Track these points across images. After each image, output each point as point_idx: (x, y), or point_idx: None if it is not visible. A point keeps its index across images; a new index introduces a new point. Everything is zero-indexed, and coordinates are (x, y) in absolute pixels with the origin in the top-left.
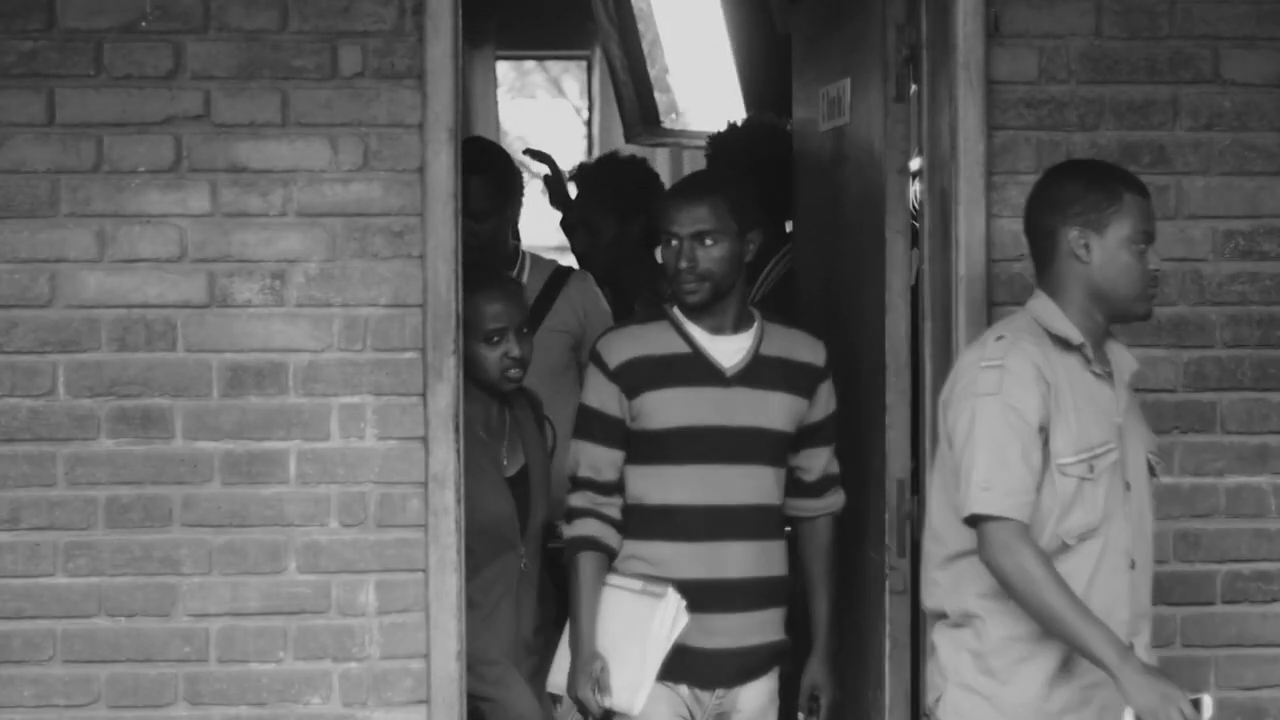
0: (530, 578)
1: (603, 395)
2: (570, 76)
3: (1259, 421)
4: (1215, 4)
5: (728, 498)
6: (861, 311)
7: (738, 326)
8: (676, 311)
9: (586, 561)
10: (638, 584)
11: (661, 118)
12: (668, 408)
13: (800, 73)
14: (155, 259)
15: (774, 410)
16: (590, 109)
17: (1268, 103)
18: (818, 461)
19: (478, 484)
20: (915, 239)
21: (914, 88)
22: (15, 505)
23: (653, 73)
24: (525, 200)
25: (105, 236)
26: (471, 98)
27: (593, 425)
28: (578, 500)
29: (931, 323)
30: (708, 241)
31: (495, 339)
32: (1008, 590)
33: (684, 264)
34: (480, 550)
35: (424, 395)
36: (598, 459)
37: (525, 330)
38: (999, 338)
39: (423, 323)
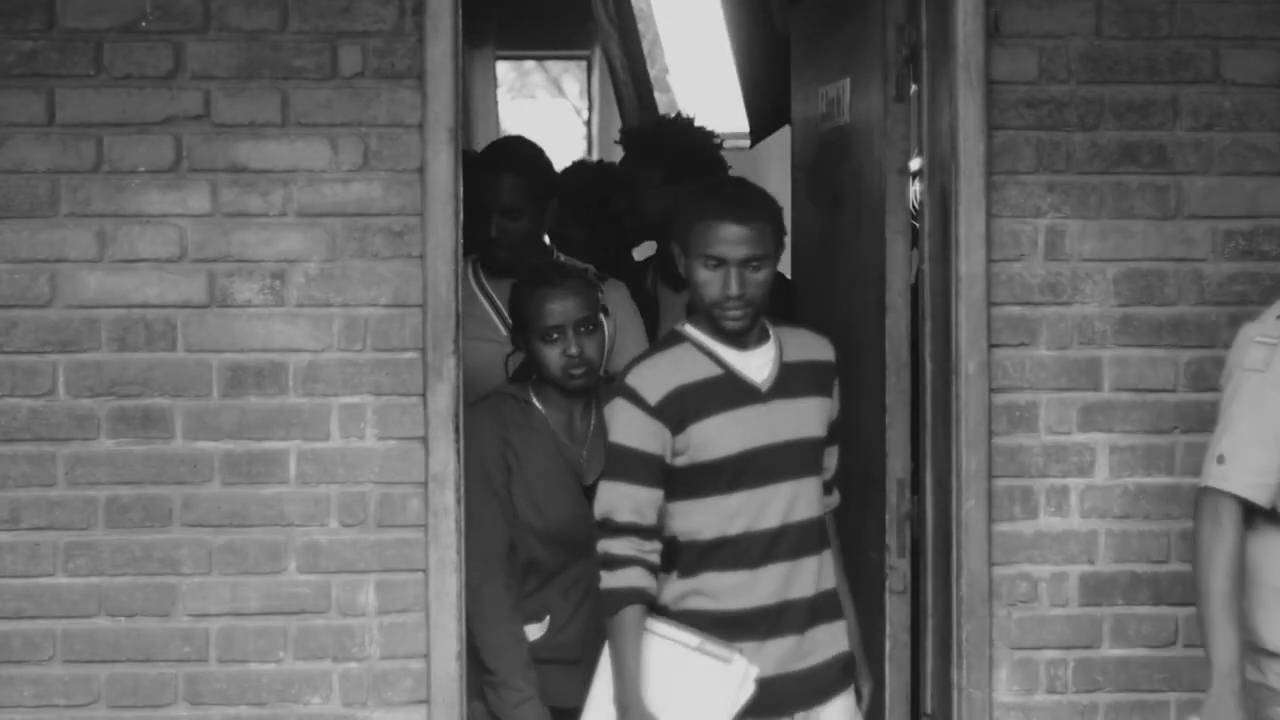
0: None
1: (642, 433)
2: (570, 76)
3: None
4: (1215, 4)
5: (786, 517)
6: (861, 311)
7: (760, 339)
8: (694, 331)
9: (635, 615)
10: (693, 639)
11: None
12: (718, 436)
13: (799, 72)
14: (155, 259)
15: (811, 417)
16: (590, 109)
17: (1268, 103)
18: (834, 459)
19: (549, 490)
20: (915, 239)
21: (914, 88)
22: (15, 505)
23: (653, 73)
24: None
25: (105, 236)
26: (471, 98)
27: (632, 466)
28: (620, 547)
29: (931, 323)
30: (755, 266)
31: (553, 336)
32: (1195, 553)
33: (734, 290)
34: (549, 558)
35: (424, 395)
36: (641, 501)
37: (588, 328)
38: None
39: (423, 323)
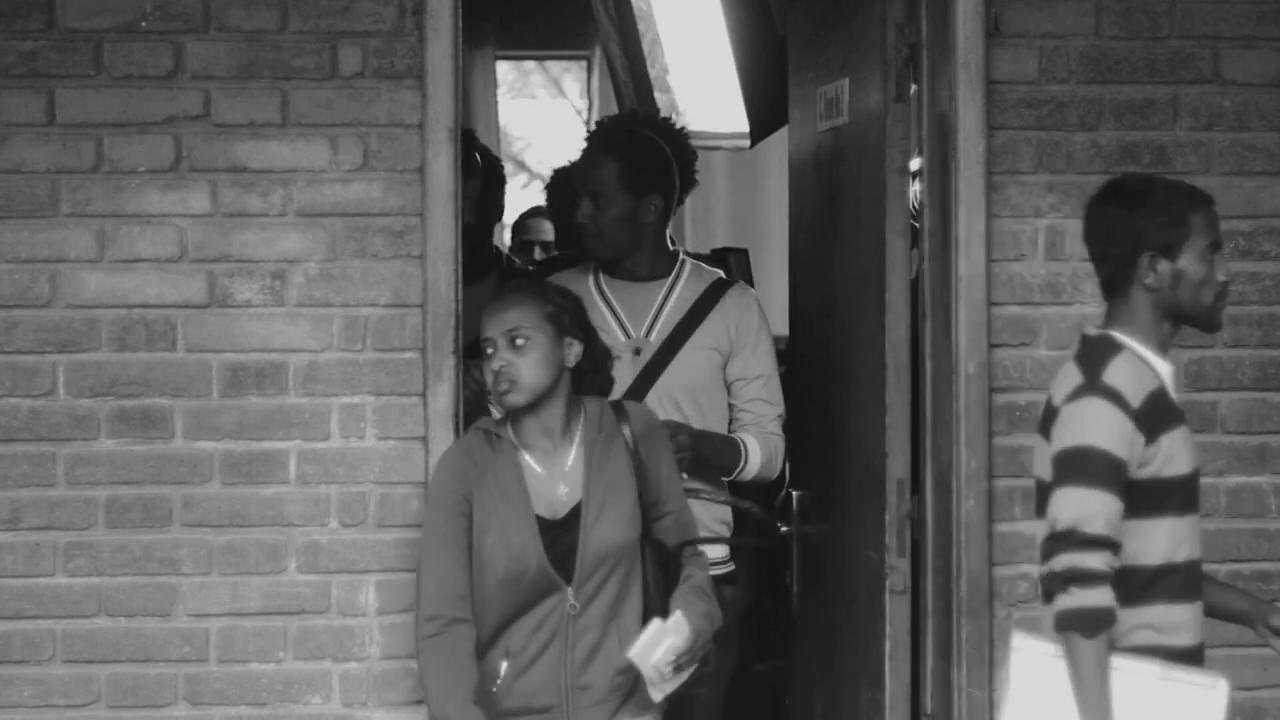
0: (593, 619)
1: (1120, 438)
2: (570, 76)
3: (1259, 421)
4: (1215, 4)
5: (1203, 551)
6: (861, 311)
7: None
8: (1127, 339)
9: (1108, 642)
10: (1154, 667)
11: None
12: (1181, 450)
13: (796, 72)
14: (155, 259)
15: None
16: (590, 109)
17: (1268, 103)
18: None
19: (508, 529)
20: (915, 239)
21: (914, 88)
22: (15, 505)
23: (653, 73)
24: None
25: (105, 236)
26: (471, 98)
27: (1108, 472)
28: (1096, 562)
29: (931, 323)
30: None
31: (488, 349)
32: None
33: (1225, 276)
34: (509, 600)
35: (424, 395)
36: (1114, 513)
37: (518, 343)
38: None
39: (423, 323)
